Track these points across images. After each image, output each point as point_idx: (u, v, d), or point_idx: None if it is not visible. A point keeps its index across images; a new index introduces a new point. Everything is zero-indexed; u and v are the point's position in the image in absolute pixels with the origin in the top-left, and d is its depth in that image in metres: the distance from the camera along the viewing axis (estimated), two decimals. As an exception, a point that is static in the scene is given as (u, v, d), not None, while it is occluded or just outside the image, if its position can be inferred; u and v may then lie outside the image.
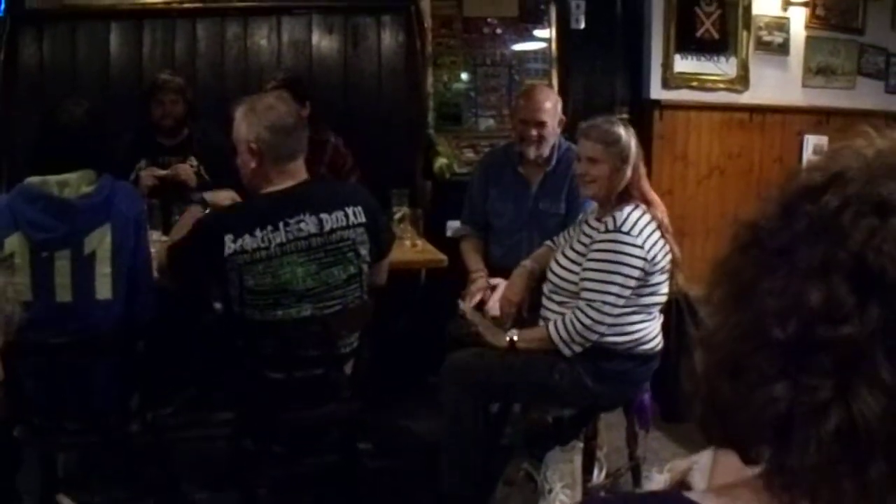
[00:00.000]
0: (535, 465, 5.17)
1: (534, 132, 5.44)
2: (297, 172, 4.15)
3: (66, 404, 4.21)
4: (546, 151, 5.48)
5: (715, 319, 1.11)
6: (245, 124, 4.12)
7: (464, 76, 7.64)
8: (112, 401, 4.32)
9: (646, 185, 4.47)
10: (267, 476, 4.66)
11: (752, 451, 1.07)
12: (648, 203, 4.40)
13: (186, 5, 7.13)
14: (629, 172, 4.39)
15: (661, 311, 4.56)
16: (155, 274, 4.40)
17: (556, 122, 5.46)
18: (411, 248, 5.43)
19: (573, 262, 4.48)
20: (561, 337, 4.37)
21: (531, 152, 5.49)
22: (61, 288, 4.04)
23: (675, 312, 4.72)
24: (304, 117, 4.27)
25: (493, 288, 5.17)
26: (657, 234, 4.35)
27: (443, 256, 5.41)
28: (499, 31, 7.72)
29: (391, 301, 4.69)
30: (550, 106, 5.45)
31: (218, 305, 4.61)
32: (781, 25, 8.65)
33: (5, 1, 7.03)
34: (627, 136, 4.42)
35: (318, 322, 4.15)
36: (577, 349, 4.38)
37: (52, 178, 4.07)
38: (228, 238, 3.97)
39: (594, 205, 4.68)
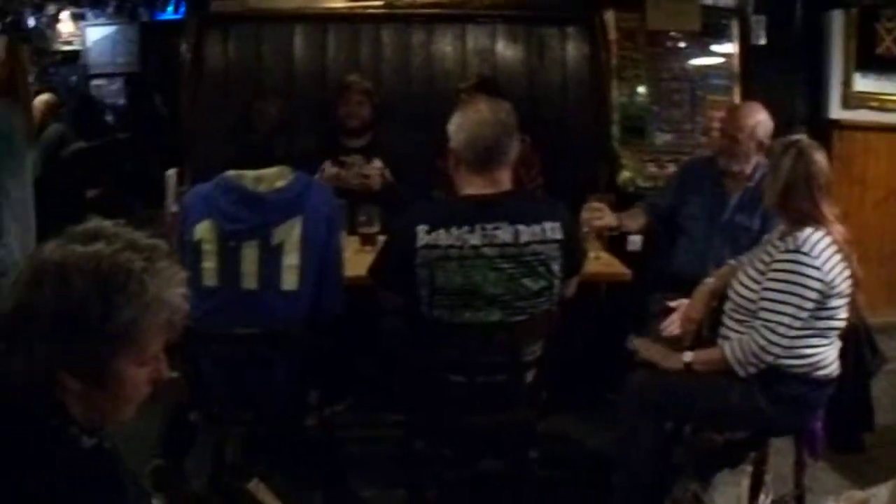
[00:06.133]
0: (702, 486, 5.12)
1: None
2: (499, 181, 4.14)
3: (244, 394, 4.30)
4: (737, 166, 5.47)
5: None
6: (453, 127, 4.15)
7: (647, 90, 7.52)
8: (291, 394, 4.38)
9: (825, 206, 4.36)
10: (436, 478, 4.70)
11: None
12: (827, 224, 4.30)
13: (371, 11, 7.18)
14: (778, 186, 4.32)
15: (840, 337, 4.43)
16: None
17: (752, 143, 5.41)
18: (595, 260, 5.35)
19: (753, 280, 4.41)
20: (736, 358, 4.29)
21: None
22: (247, 276, 4.16)
23: (854, 339, 4.59)
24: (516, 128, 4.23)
25: (674, 309, 5.09)
26: (837, 257, 4.26)
27: (626, 270, 5.35)
28: (681, 45, 7.62)
29: (570, 313, 4.64)
30: (746, 124, 5.41)
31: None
32: (972, 41, 8.39)
33: (190, 3, 7.15)
34: (781, 150, 4.37)
35: (504, 328, 4.14)
36: (752, 370, 4.29)
37: (250, 173, 4.23)
38: (422, 229, 3.99)
39: (780, 225, 4.60)
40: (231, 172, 4.24)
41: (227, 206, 4.17)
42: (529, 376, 4.36)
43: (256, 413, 4.42)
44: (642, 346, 4.82)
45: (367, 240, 5.46)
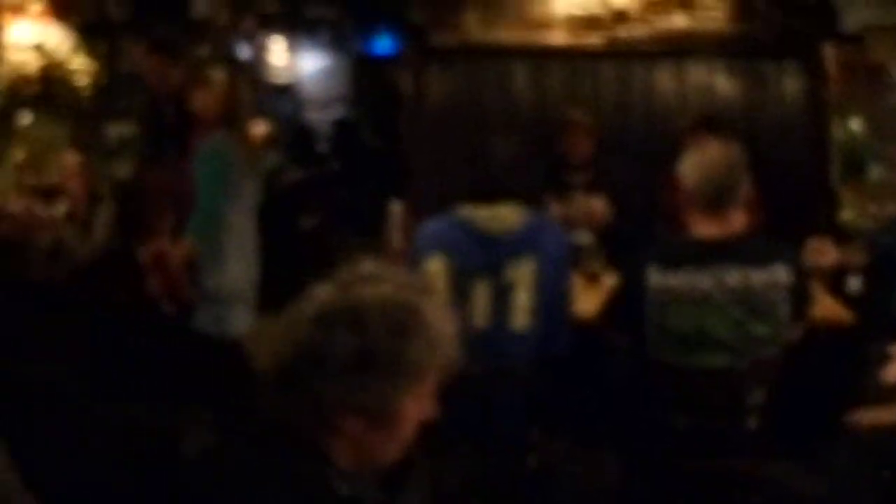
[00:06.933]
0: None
1: None
2: (729, 222, 4.10)
3: (465, 428, 4.22)
4: None
5: None
6: (684, 168, 4.16)
7: (866, 125, 7.35)
8: (512, 430, 4.39)
9: None
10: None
11: None
12: None
13: (590, 46, 7.23)
14: None
15: None
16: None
17: None
18: (816, 303, 5.26)
19: None
20: None
21: None
22: (478, 313, 4.16)
23: None
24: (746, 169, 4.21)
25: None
26: None
27: (848, 314, 5.24)
28: (900, 78, 7.45)
29: (791, 358, 4.58)
30: None
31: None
32: None
33: (409, 37, 7.31)
34: None
35: (730, 373, 4.10)
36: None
37: (483, 210, 4.23)
38: (653, 270, 4.00)
39: None
40: (464, 209, 4.27)
41: (459, 242, 4.20)
42: (752, 422, 4.31)
43: (477, 448, 4.41)
44: (865, 418, 4.71)
45: (591, 277, 5.48)
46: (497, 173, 4.33)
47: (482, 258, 4.18)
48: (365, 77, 14.09)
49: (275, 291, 5.93)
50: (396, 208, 6.27)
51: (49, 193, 7.14)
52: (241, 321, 5.52)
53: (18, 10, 8.61)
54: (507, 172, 4.34)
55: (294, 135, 12.43)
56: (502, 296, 4.18)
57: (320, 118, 13.68)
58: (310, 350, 2.01)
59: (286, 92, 13.45)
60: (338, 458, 2.07)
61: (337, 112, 13.79)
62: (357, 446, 2.09)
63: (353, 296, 2.05)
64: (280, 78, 13.19)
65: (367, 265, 2.16)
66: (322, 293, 2.08)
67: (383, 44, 13.91)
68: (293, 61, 13.67)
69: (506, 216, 4.23)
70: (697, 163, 4.12)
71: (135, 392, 5.86)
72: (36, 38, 8.83)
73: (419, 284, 2.14)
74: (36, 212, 6.69)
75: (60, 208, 6.80)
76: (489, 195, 4.27)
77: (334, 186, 11.06)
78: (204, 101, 5.55)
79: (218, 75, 5.61)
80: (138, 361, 5.91)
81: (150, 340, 5.88)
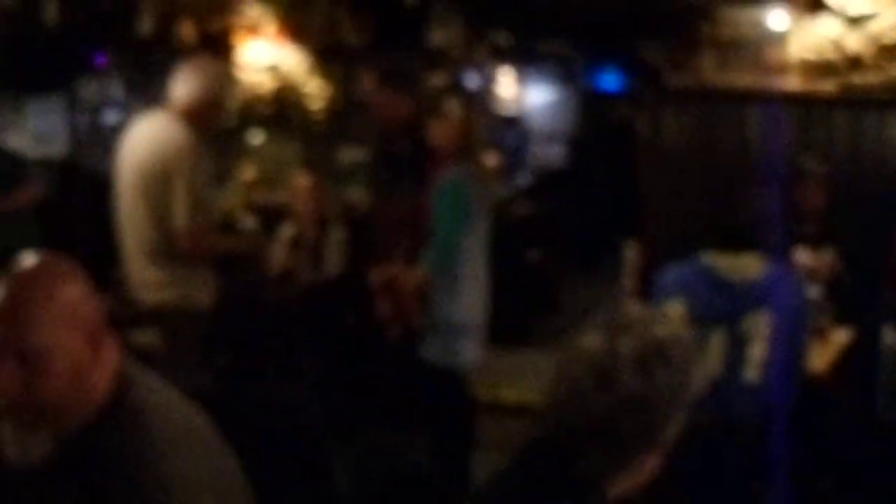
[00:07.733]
0: None
1: None
2: None
3: (687, 478, 4.18)
4: None
5: None
6: None
7: None
8: (733, 484, 4.35)
9: None
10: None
11: None
12: None
13: (824, 93, 7.15)
14: None
15: None
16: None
17: None
18: None
19: None
20: None
21: None
22: (712, 363, 4.17)
23: None
24: None
25: None
26: None
27: None
28: None
29: None
30: None
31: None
32: None
33: (646, 77, 7.36)
34: None
35: None
36: None
37: (726, 258, 4.26)
38: (889, 328, 3.98)
39: None
40: (707, 256, 4.31)
41: (699, 289, 4.23)
42: None
43: (696, 499, 4.41)
44: None
45: (820, 332, 5.36)
46: (746, 222, 4.35)
47: (721, 307, 4.20)
48: (591, 112, 14.10)
49: (499, 323, 6.04)
50: (631, 249, 6.28)
51: (278, 213, 7.41)
52: (469, 353, 5.56)
53: (254, 30, 8.96)
54: (755, 222, 4.35)
55: (523, 167, 12.55)
56: (737, 346, 4.19)
57: (546, 151, 13.73)
58: (634, 396, 2.07)
59: (513, 124, 13.52)
60: (612, 487, 2.15)
61: (562, 146, 13.84)
62: (638, 477, 2.18)
63: (651, 336, 2.12)
64: (507, 110, 13.25)
65: (631, 306, 2.29)
66: (624, 338, 2.11)
67: (610, 80, 13.96)
68: (521, 93, 13.76)
69: (749, 266, 4.25)
70: None
71: (363, 416, 6.05)
72: (271, 60, 9.19)
73: (677, 321, 2.28)
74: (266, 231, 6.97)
75: (288, 230, 7.06)
76: (735, 244, 4.30)
77: (560, 220, 11.09)
78: (441, 132, 5.56)
79: (454, 106, 5.61)
80: (365, 386, 6.10)
81: (377, 366, 6.06)
